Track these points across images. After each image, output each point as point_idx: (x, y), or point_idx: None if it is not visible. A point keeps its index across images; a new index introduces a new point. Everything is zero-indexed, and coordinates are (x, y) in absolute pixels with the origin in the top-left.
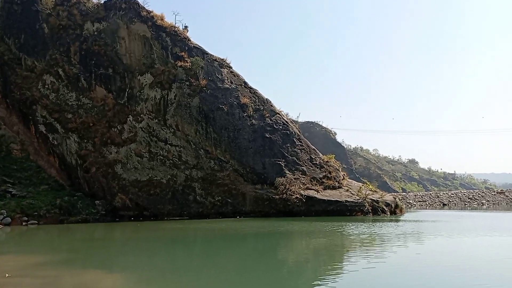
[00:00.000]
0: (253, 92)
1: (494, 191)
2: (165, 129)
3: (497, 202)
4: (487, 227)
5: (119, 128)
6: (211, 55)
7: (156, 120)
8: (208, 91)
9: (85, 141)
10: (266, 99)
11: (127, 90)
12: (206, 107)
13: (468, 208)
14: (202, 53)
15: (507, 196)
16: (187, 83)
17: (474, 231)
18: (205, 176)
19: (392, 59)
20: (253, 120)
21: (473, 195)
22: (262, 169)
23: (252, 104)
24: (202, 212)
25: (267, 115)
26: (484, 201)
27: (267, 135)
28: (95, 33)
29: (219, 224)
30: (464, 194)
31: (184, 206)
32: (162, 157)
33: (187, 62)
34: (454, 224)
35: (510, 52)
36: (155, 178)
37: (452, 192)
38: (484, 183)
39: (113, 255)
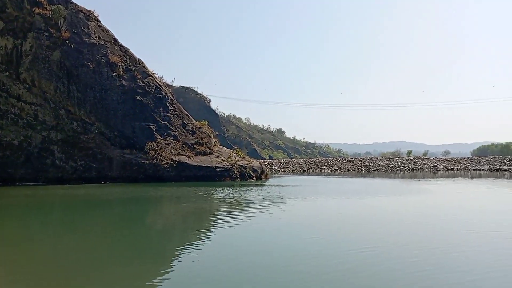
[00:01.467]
0: (124, 51)
1: (345, 159)
2: (18, 84)
3: (347, 169)
4: (337, 191)
5: None
6: (76, 4)
7: (7, 73)
8: (72, 45)
9: None
10: (138, 59)
11: None
12: (69, 62)
13: (323, 174)
14: (66, 1)
15: (355, 164)
16: (46, 33)
17: (325, 194)
18: (66, 138)
19: (268, 32)
20: (123, 81)
21: (328, 163)
22: (131, 133)
23: (122, 64)
24: (61, 177)
25: (138, 76)
26: (337, 168)
27: (138, 98)
28: None
29: (82, 190)
30: (321, 162)
31: (41, 170)
32: (13, 116)
33: (46, 10)
34: (309, 188)
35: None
36: (5, 139)
37: (311, 159)
38: (338, 152)
39: None
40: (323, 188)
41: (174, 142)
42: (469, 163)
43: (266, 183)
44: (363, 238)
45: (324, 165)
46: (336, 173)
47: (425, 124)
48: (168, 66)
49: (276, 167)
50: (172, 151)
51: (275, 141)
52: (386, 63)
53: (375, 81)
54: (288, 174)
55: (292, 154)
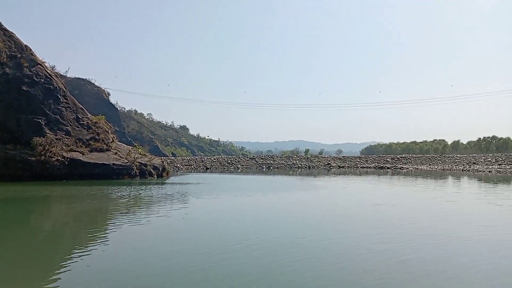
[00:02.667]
0: (9, 36)
1: (248, 157)
2: None
3: (249, 166)
4: (237, 188)
5: None
6: None
7: None
8: None
9: None
10: (26, 45)
11: None
12: None
13: (226, 171)
14: None
15: (257, 162)
16: None
17: (227, 192)
18: None
19: (176, 24)
20: (7, 69)
21: (231, 160)
22: (16, 127)
23: (6, 49)
24: None
25: (25, 64)
26: (239, 166)
27: (24, 88)
28: None
29: None
30: (224, 159)
31: None
32: None
33: None
34: (211, 186)
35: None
36: None
37: (215, 157)
38: (241, 150)
39: None
40: (225, 186)
41: (66, 138)
42: (358, 161)
43: (168, 181)
44: (251, 232)
45: (227, 163)
46: (239, 170)
47: (321, 124)
48: (62, 56)
49: (178, 165)
50: (64, 147)
51: (179, 138)
52: (291, 64)
53: (276, 81)
54: (191, 172)
55: (196, 151)
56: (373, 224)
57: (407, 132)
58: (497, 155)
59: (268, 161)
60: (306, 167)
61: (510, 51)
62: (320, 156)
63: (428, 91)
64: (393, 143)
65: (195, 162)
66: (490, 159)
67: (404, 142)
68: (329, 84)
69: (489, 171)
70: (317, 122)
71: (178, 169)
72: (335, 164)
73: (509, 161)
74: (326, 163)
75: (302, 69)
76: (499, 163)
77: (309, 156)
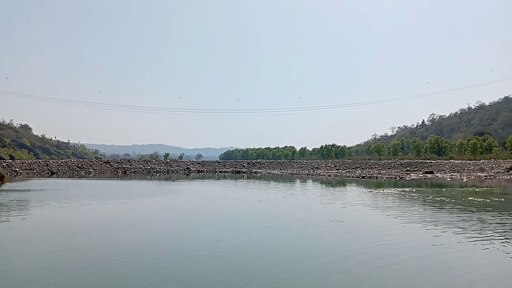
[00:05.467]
0: None
1: (102, 161)
2: None
3: (103, 171)
4: (89, 195)
5: None
6: None
7: None
8: None
9: None
10: None
11: None
12: None
13: (76, 176)
14: None
15: (112, 166)
16: None
17: (75, 199)
18: None
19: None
20: None
21: (82, 164)
22: None
23: None
24: None
25: None
26: (92, 170)
27: None
28: None
29: None
30: (74, 163)
31: None
32: None
33: None
34: (53, 193)
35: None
36: None
37: (62, 160)
38: (95, 153)
39: None
40: (74, 192)
41: None
42: (216, 165)
43: (3, 187)
44: (87, 241)
45: (78, 167)
46: (91, 175)
47: (182, 128)
48: None
49: (17, 169)
50: None
51: (19, 138)
52: (140, 63)
53: (134, 80)
54: (33, 177)
55: (40, 154)
56: (205, 223)
57: (262, 138)
58: (336, 161)
59: (125, 165)
60: (165, 172)
61: (346, 72)
62: (180, 160)
63: (280, 101)
64: (250, 148)
65: (38, 165)
66: (330, 165)
67: (260, 148)
68: (191, 89)
69: (328, 175)
70: (178, 126)
71: (17, 173)
72: (194, 169)
73: (345, 166)
74: (186, 168)
75: (158, 71)
76: (337, 168)
77: (168, 161)
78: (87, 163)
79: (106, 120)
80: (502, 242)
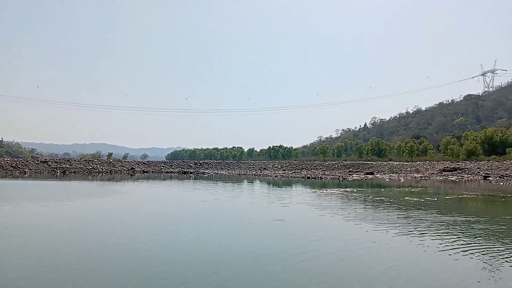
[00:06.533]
0: None
1: (39, 160)
2: None
3: (39, 171)
4: (21, 197)
5: None
6: None
7: None
8: None
9: None
10: None
11: None
12: None
13: (10, 176)
14: None
15: (49, 166)
16: None
17: (9, 201)
18: None
19: None
20: None
21: (16, 164)
22: None
23: None
24: None
25: None
26: (27, 170)
27: None
28: None
29: None
30: (8, 162)
31: None
32: None
33: None
34: None
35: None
36: None
37: None
38: (31, 152)
39: None
40: (5, 194)
41: None
42: (162, 166)
43: None
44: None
45: (12, 167)
46: (27, 175)
47: (127, 128)
48: None
49: None
50: None
51: None
52: (78, 60)
53: (86, 78)
54: None
55: None
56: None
57: (210, 138)
58: (283, 161)
59: (64, 165)
60: (107, 172)
61: (294, 74)
62: (124, 160)
63: (230, 102)
64: (197, 149)
65: None
66: (277, 165)
67: (208, 148)
68: (137, 86)
69: (275, 176)
70: (123, 125)
71: None
72: (139, 169)
73: (291, 167)
74: (130, 168)
75: (103, 66)
76: (284, 168)
77: (111, 160)
78: (22, 162)
79: (44, 117)
80: (432, 238)
